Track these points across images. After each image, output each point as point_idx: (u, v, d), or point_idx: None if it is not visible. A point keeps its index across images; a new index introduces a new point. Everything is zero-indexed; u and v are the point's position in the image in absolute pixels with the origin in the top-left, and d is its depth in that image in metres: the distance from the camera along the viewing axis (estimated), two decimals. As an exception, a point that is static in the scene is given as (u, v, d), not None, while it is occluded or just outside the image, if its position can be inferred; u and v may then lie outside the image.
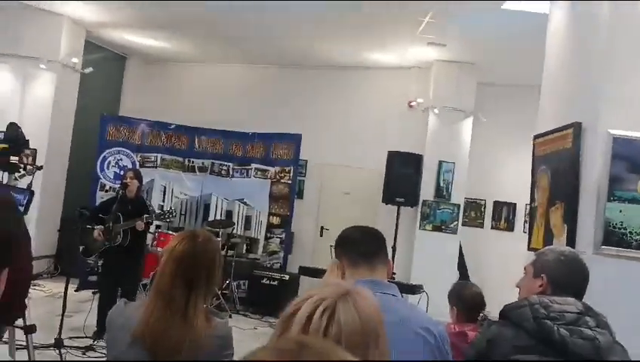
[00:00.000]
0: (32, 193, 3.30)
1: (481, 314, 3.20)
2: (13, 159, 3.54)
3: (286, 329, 1.03)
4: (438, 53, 8.21)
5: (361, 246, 2.05)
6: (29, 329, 3.49)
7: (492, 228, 9.44)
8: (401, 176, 8.21)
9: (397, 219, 8.26)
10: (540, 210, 4.02)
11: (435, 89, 8.66)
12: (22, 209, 3.26)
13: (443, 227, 8.51)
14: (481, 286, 3.44)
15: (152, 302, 1.94)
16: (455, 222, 8.53)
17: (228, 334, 2.04)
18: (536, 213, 4.11)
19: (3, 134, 3.83)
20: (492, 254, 8.91)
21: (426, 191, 8.53)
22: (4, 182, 3.57)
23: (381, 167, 8.47)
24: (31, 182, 3.53)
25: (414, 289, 6.63)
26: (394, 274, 7.88)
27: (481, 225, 9.43)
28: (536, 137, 4.29)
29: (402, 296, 2.15)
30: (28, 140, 3.90)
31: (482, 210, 9.44)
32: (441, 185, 8.54)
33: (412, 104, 9.02)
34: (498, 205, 9.40)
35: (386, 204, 8.37)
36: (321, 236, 9.35)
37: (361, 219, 9.11)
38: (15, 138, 3.72)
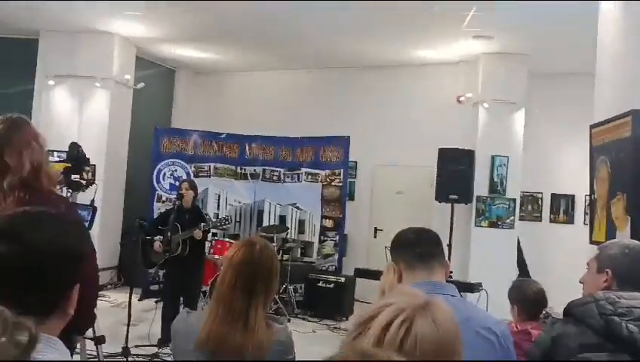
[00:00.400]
0: (95, 209, 3.45)
1: (543, 312, 3.12)
2: (75, 177, 3.73)
3: (362, 332, 1.04)
4: (485, 45, 8.07)
5: (417, 248, 2.03)
6: (99, 340, 3.63)
7: (551, 221, 9.20)
8: (454, 172, 8.10)
9: (451, 217, 8.15)
10: (601, 201, 3.90)
11: (484, 82, 8.50)
12: (86, 225, 3.41)
13: (499, 223, 8.34)
14: (542, 282, 3.36)
15: (213, 310, 1.99)
16: (512, 217, 8.35)
17: (288, 339, 2.07)
18: (597, 205, 3.99)
19: (65, 154, 4.04)
20: (552, 248, 8.67)
21: (480, 187, 8.38)
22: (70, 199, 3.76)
23: (432, 164, 8.38)
24: (93, 198, 3.70)
25: (473, 288, 6.52)
26: (451, 273, 7.78)
27: (539, 219, 9.20)
28: (592, 127, 4.17)
29: (461, 296, 2.13)
30: (88, 158, 4.10)
31: (539, 203, 9.21)
32: (495, 179, 8.37)
33: (461, 99, 8.88)
34: (556, 198, 9.14)
35: (440, 202, 8.27)
36: (374, 237, 9.31)
37: (414, 218, 9.03)
38: (76, 157, 3.91)
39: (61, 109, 8.90)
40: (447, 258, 2.15)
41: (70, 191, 3.78)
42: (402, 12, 7.02)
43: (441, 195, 8.17)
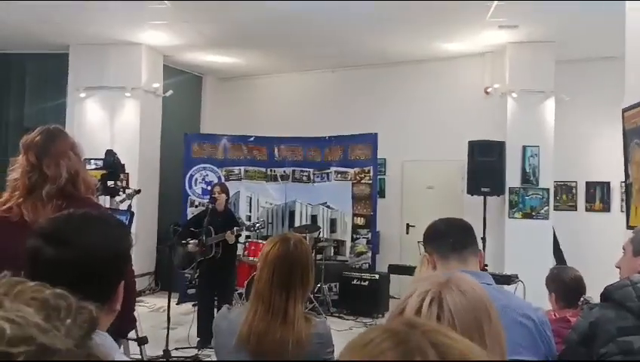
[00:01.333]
0: (132, 214, 3.55)
1: (581, 299, 3.09)
2: (111, 183, 3.86)
3: None
4: (511, 35, 7.98)
5: (450, 238, 2.04)
6: (142, 341, 3.72)
7: (586, 210, 9.03)
8: (484, 165, 8.03)
9: (484, 210, 8.08)
10: (636, 185, 3.84)
11: (511, 72, 8.40)
12: (124, 229, 3.49)
13: (533, 213, 8.24)
14: (579, 270, 3.32)
15: (253, 306, 2.03)
16: (546, 208, 8.24)
17: (327, 332, 2.10)
18: (632, 190, 3.92)
19: (102, 161, 4.18)
20: (589, 237, 8.51)
21: (512, 178, 8.29)
22: (107, 205, 3.88)
23: (462, 157, 8.32)
24: (130, 203, 3.80)
25: (509, 280, 6.45)
26: (486, 265, 7.71)
27: (574, 208, 9.05)
28: (625, 110, 4.10)
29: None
30: (124, 165, 4.22)
31: (574, 192, 9.05)
32: (527, 170, 8.27)
33: (488, 90, 8.80)
34: (591, 185, 8.98)
35: (472, 195, 8.20)
36: (407, 233, 9.28)
37: (446, 212, 8.88)
38: (112, 164, 4.04)
39: (93, 121, 9.10)
40: (481, 250, 2.16)
41: (109, 197, 3.89)
42: (425, 5, 6.99)
43: (473, 188, 8.11)
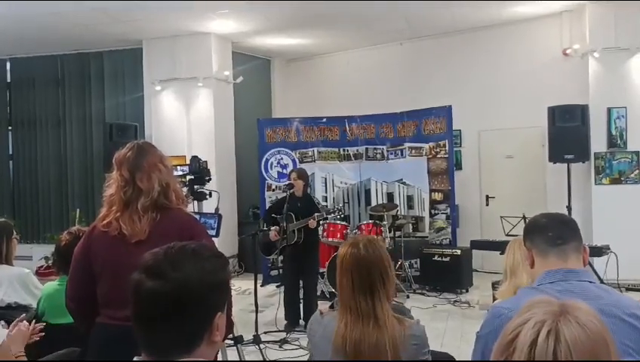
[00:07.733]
0: (220, 216, 3.65)
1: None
2: (198, 188, 3.97)
3: (509, 356, 1.04)
4: (590, -9, 7.52)
5: (550, 233, 1.97)
6: (238, 340, 3.84)
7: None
8: (566, 130, 7.67)
9: (568, 178, 7.75)
10: None
11: (592, 31, 7.93)
12: (213, 232, 3.62)
13: (622, 178, 7.83)
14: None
15: (342, 314, 2.05)
16: (636, 171, 7.81)
17: (422, 333, 2.08)
18: None
19: (188, 167, 4.33)
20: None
21: (597, 143, 7.89)
22: (196, 209, 4.02)
23: (542, 124, 7.99)
24: (217, 206, 3.91)
25: (600, 251, 6.21)
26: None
27: (668, 170, 8.52)
28: None
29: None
30: (209, 169, 4.34)
31: (666, 152, 8.51)
32: (614, 133, 7.85)
33: (567, 52, 8.37)
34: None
35: (554, 163, 7.88)
36: (487, 205, 9.08)
37: (527, 182, 8.71)
38: (198, 169, 4.16)
39: (170, 112, 9.36)
40: (586, 245, 2.06)
41: (196, 201, 4.01)
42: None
43: (555, 155, 7.78)
